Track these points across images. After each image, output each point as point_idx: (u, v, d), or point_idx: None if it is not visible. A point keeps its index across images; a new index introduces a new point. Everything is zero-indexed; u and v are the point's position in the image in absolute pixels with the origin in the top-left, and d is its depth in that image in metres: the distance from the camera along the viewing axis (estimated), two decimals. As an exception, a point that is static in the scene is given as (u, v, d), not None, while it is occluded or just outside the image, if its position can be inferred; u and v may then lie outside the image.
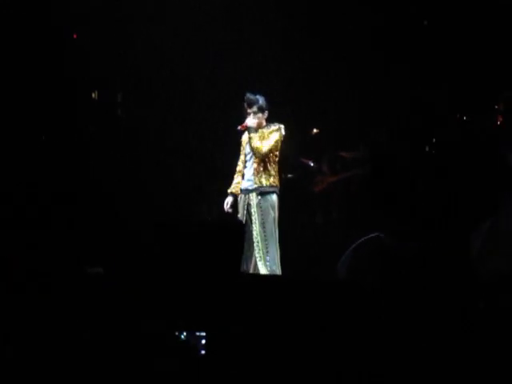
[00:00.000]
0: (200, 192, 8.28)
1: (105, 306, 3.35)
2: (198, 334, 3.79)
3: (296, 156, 8.42)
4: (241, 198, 6.56)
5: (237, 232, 4.09)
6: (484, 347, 3.35)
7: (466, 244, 5.46)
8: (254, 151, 6.41)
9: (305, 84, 8.37)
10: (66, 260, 4.45)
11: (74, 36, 7.97)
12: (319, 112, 8.45)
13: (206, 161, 8.30)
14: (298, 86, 8.35)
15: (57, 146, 7.58)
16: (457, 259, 3.67)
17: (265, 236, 6.37)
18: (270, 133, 6.44)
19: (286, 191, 6.93)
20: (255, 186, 6.46)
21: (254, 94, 6.48)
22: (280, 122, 6.54)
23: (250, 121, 6.43)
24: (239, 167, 6.63)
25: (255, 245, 6.35)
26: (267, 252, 6.33)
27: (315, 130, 8.69)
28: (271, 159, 6.47)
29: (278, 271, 6.37)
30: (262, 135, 6.44)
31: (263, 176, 6.45)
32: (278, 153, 6.49)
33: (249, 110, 6.45)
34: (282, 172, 6.88)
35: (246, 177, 6.55)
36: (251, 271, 6.27)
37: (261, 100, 6.45)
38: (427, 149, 8.11)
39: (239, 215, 6.49)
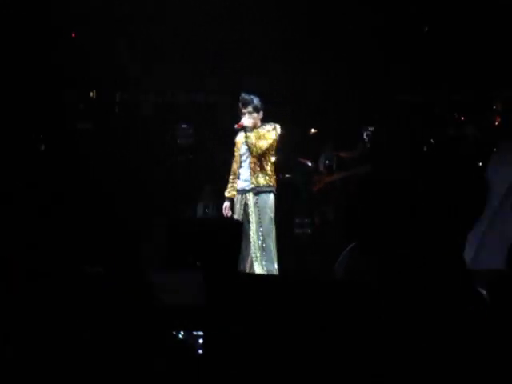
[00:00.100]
0: (197, 192, 8.30)
1: (102, 306, 3.35)
2: (195, 333, 3.79)
3: (294, 156, 8.45)
4: (237, 198, 6.57)
5: (234, 231, 4.10)
6: (482, 347, 3.35)
7: (462, 244, 5.47)
8: (252, 150, 6.43)
9: (303, 84, 8.40)
10: (65, 260, 4.45)
11: (73, 35, 7.99)
12: (317, 112, 8.48)
13: (204, 160, 8.32)
14: (296, 85, 8.37)
15: (54, 144, 7.59)
16: (453, 259, 3.68)
17: (262, 235, 6.38)
18: (267, 132, 6.46)
19: (282, 191, 6.96)
20: (252, 185, 6.47)
21: (249, 94, 6.52)
22: (278, 121, 6.57)
23: (246, 120, 6.45)
24: (234, 168, 6.66)
25: (252, 244, 6.36)
26: (264, 252, 6.35)
27: (313, 130, 8.72)
28: (267, 159, 6.49)
29: (275, 271, 6.38)
30: (258, 135, 6.46)
31: (260, 176, 6.47)
32: (273, 152, 6.52)
33: (244, 110, 6.47)
34: (279, 172, 6.90)
35: (242, 177, 6.56)
36: (247, 271, 6.29)
37: (255, 100, 6.48)
38: (425, 149, 8.14)
39: (236, 215, 6.50)
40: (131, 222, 6.87)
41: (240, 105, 6.48)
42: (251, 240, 6.36)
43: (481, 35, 7.43)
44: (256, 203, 6.42)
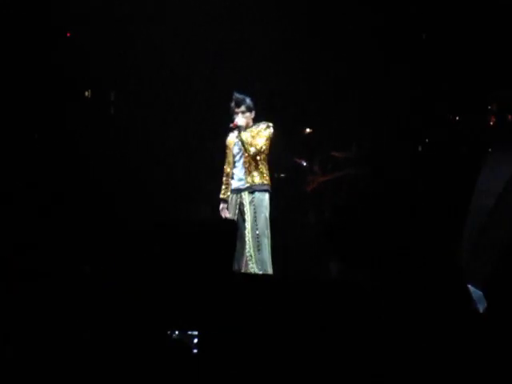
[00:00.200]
0: (197, 192, 8.31)
1: (99, 306, 3.37)
2: (190, 333, 3.82)
3: (289, 156, 8.48)
4: (232, 197, 6.60)
5: (229, 231, 4.12)
6: (476, 347, 3.37)
7: (457, 244, 5.50)
8: (247, 149, 6.46)
9: (298, 84, 8.40)
10: (64, 260, 4.47)
11: (68, 34, 7.99)
12: (312, 112, 8.49)
13: (204, 160, 8.33)
14: (292, 85, 8.38)
15: (54, 144, 7.60)
16: (446, 260, 3.70)
17: (257, 234, 6.40)
18: (260, 131, 6.50)
19: (278, 191, 6.98)
20: (247, 184, 6.50)
21: (241, 93, 6.56)
22: (275, 121, 6.62)
23: (240, 120, 6.50)
24: (226, 170, 6.69)
25: (247, 244, 6.39)
26: (259, 250, 6.37)
27: (308, 130, 8.73)
28: (262, 158, 6.52)
29: (270, 270, 6.40)
30: (252, 133, 6.50)
31: (255, 175, 6.50)
32: (267, 151, 6.55)
33: (237, 110, 6.53)
34: (274, 172, 6.94)
35: (236, 177, 6.59)
36: (243, 270, 6.31)
37: (248, 100, 6.54)
38: (420, 149, 8.16)
39: (230, 215, 6.54)
40: (131, 222, 6.91)
41: (233, 104, 6.53)
42: (246, 239, 6.39)
43: (477, 35, 7.43)
44: (251, 202, 6.45)
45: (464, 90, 7.68)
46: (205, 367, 3.29)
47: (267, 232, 6.44)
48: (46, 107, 7.63)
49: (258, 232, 6.39)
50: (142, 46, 8.23)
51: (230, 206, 6.60)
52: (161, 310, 3.58)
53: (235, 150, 6.60)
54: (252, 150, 6.44)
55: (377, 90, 8.05)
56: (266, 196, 6.50)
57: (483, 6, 7.41)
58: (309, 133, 8.71)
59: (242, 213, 6.48)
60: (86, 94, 8.40)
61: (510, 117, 5.72)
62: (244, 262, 6.39)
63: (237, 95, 6.54)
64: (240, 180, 6.55)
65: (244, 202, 6.48)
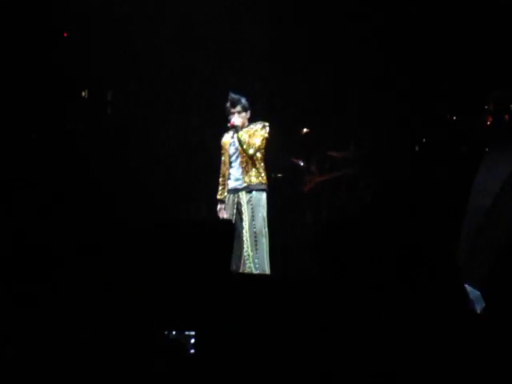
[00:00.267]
0: (197, 192, 8.32)
1: (98, 306, 3.38)
2: (187, 333, 3.83)
3: (286, 156, 8.50)
4: (229, 197, 6.62)
5: (226, 231, 4.13)
6: (473, 348, 3.38)
7: (455, 244, 5.51)
8: (245, 148, 6.48)
9: (295, 84, 8.42)
10: (64, 260, 4.48)
11: (65, 34, 8.00)
12: (311, 112, 8.51)
13: (204, 160, 8.34)
14: (289, 86, 8.40)
15: (54, 144, 7.61)
16: (444, 260, 3.71)
17: (254, 233, 6.42)
18: (257, 130, 6.53)
19: (275, 191, 7.01)
20: (245, 184, 6.52)
21: (237, 93, 6.60)
22: (273, 121, 6.65)
23: (237, 120, 6.53)
24: (222, 171, 6.71)
25: (244, 243, 6.41)
26: (256, 250, 6.39)
27: (305, 130, 8.75)
28: (259, 157, 6.55)
29: (268, 269, 6.42)
30: (249, 133, 6.53)
31: (252, 174, 6.53)
32: (264, 151, 6.58)
33: (232, 110, 6.55)
34: (271, 172, 6.96)
35: (232, 177, 6.61)
36: (240, 270, 6.33)
37: (243, 100, 6.57)
38: (417, 148, 8.17)
39: (227, 215, 6.56)
40: (131, 223, 6.91)
41: (228, 105, 6.56)
42: (244, 239, 6.40)
43: (474, 35, 7.44)
44: (249, 201, 6.47)
45: (461, 90, 7.69)
46: (202, 367, 3.30)
47: (265, 231, 6.46)
48: (45, 107, 7.64)
49: (255, 231, 6.42)
50: (141, 46, 8.24)
51: (227, 206, 6.62)
52: (157, 310, 3.58)
53: (231, 150, 6.62)
54: (250, 149, 6.47)
55: (374, 90, 8.07)
56: (264, 195, 6.52)
57: (482, 6, 7.42)
58: (306, 132, 8.73)
59: (239, 212, 6.50)
60: (86, 93, 8.41)
61: (507, 117, 5.72)
62: (242, 261, 6.41)
63: (232, 95, 6.57)
64: (237, 180, 6.57)
65: (241, 202, 6.50)
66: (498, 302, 3.84)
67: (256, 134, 6.50)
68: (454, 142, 7.75)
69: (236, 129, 6.54)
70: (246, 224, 6.43)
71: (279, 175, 8.40)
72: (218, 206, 6.72)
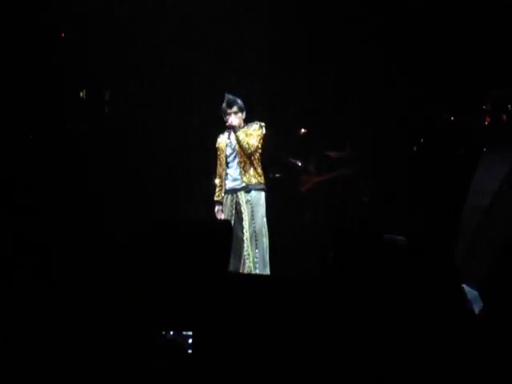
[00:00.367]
0: (197, 192, 8.32)
1: (96, 305, 3.39)
2: (184, 333, 3.83)
3: (284, 156, 8.51)
4: (227, 197, 6.62)
5: (224, 231, 4.14)
6: (472, 346, 3.39)
7: (451, 243, 5.51)
8: (244, 148, 6.50)
9: (295, 84, 8.42)
10: (64, 259, 4.49)
11: (62, 34, 8.01)
12: (310, 112, 8.52)
13: (204, 160, 8.34)
14: (289, 86, 8.40)
15: (50, 144, 7.61)
16: (443, 260, 3.72)
17: (254, 232, 6.44)
18: (254, 130, 6.55)
19: (273, 191, 7.02)
20: (243, 184, 6.53)
21: (232, 95, 6.63)
22: (272, 121, 6.67)
23: (234, 120, 6.56)
24: (219, 172, 6.72)
25: (244, 242, 6.42)
26: (257, 249, 6.41)
27: (303, 130, 8.76)
28: (256, 157, 6.57)
29: (267, 269, 6.43)
30: (246, 133, 6.56)
31: (251, 174, 6.54)
32: (261, 150, 6.60)
33: (229, 111, 6.58)
34: (269, 172, 6.98)
35: (230, 177, 6.62)
36: (240, 270, 6.34)
37: (239, 100, 6.60)
38: (415, 149, 8.17)
39: (225, 215, 6.57)
40: (130, 222, 6.92)
41: (224, 105, 6.58)
42: (244, 238, 6.41)
43: (471, 35, 7.44)
44: (248, 201, 6.49)
45: (459, 90, 7.70)
46: (199, 368, 3.31)
47: (265, 230, 6.48)
48: (45, 107, 7.64)
49: (255, 230, 6.43)
50: (141, 46, 8.24)
51: (224, 206, 6.63)
52: (155, 310, 3.59)
53: (228, 151, 6.64)
54: (249, 149, 6.49)
55: (372, 91, 8.07)
56: (263, 194, 6.54)
57: (482, 6, 7.43)
58: (304, 133, 8.74)
59: (238, 212, 6.51)
60: (86, 93, 8.41)
61: (504, 117, 5.72)
62: (242, 261, 6.42)
63: (228, 96, 6.60)
64: (235, 180, 6.58)
65: (240, 202, 6.51)
66: (496, 302, 3.85)
67: (253, 134, 6.53)
68: (451, 142, 7.76)
69: (234, 129, 6.56)
70: (245, 224, 6.44)
71: (277, 175, 8.41)
72: (216, 208, 6.73)
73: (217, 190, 6.72)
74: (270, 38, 8.31)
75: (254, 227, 6.43)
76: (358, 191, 8.29)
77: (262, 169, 6.60)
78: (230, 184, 6.61)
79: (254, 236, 6.42)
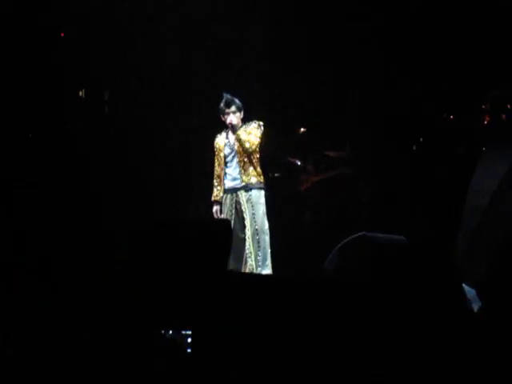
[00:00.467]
0: (197, 191, 8.32)
1: (95, 305, 3.39)
2: (184, 332, 3.83)
3: (284, 156, 8.52)
4: (226, 197, 6.63)
5: (224, 230, 4.14)
6: (470, 346, 3.39)
7: (451, 243, 5.52)
8: (245, 147, 6.51)
9: (295, 84, 8.43)
10: (64, 259, 4.49)
11: (61, 34, 8.01)
12: (309, 112, 8.52)
13: (204, 160, 8.34)
14: (289, 86, 8.40)
15: (50, 144, 7.62)
16: (443, 259, 3.72)
17: (256, 230, 6.45)
18: (253, 129, 6.57)
19: (272, 190, 7.03)
20: (243, 183, 6.55)
21: (230, 94, 6.64)
22: (271, 121, 6.68)
23: (234, 119, 6.57)
24: (217, 172, 6.72)
25: (246, 241, 6.43)
26: (259, 246, 6.42)
27: (302, 130, 8.76)
28: (255, 156, 6.59)
29: (270, 266, 6.46)
30: (246, 132, 6.57)
31: (251, 173, 6.56)
32: (259, 149, 6.61)
33: (227, 110, 6.60)
34: (269, 171, 6.98)
35: (229, 177, 6.63)
36: (242, 268, 6.36)
37: (237, 100, 6.62)
38: (414, 148, 8.17)
39: (224, 215, 6.57)
40: (129, 222, 6.92)
41: (223, 105, 6.59)
42: (246, 237, 6.43)
43: (472, 35, 7.45)
44: (249, 199, 6.50)
45: (458, 90, 7.70)
46: (198, 367, 3.31)
47: (266, 229, 6.50)
48: (45, 107, 7.64)
49: (257, 228, 6.44)
50: (141, 46, 8.24)
51: (224, 206, 6.63)
52: (154, 310, 3.60)
53: (226, 150, 6.66)
54: (250, 147, 6.50)
55: (372, 91, 8.08)
56: (262, 193, 6.57)
57: (481, 6, 7.43)
58: (303, 132, 8.75)
59: (238, 212, 6.53)
60: (86, 93, 8.41)
61: (504, 116, 5.73)
62: (243, 260, 6.43)
63: (227, 96, 6.62)
64: (234, 179, 6.60)
65: (241, 201, 6.52)
66: (496, 301, 3.85)
67: (253, 133, 6.54)
68: (451, 141, 7.76)
69: (234, 128, 6.57)
70: (247, 222, 6.46)
71: (276, 175, 8.42)
72: (214, 208, 6.72)
73: (214, 189, 6.72)
74: (270, 38, 8.30)
75: (256, 225, 6.44)
76: (358, 191, 8.29)
77: (261, 168, 6.61)
78: (229, 183, 6.62)
79: (256, 234, 6.44)
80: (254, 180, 6.54)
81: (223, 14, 8.28)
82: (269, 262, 6.46)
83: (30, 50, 7.40)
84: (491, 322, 3.58)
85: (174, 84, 8.45)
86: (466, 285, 4.03)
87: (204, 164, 7.73)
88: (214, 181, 6.73)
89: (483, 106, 5.94)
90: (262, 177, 6.59)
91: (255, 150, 6.54)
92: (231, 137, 6.65)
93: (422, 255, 3.77)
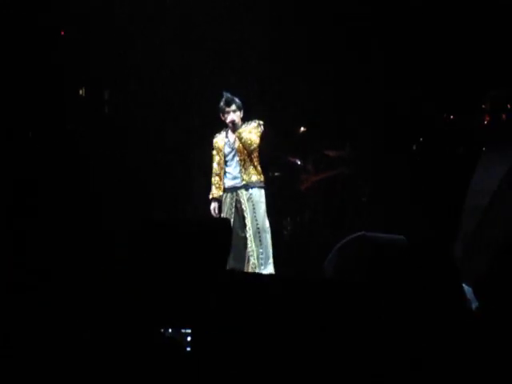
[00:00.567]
0: (196, 191, 8.33)
1: (94, 305, 3.39)
2: (183, 331, 3.83)
3: (284, 155, 8.53)
4: (226, 196, 6.63)
5: (223, 229, 4.14)
6: (469, 347, 3.38)
7: (451, 243, 5.52)
8: (247, 146, 6.52)
9: (295, 84, 8.43)
10: (64, 260, 4.50)
11: (62, 33, 8.02)
12: (309, 112, 8.53)
13: (204, 160, 8.35)
14: (289, 86, 8.41)
15: (50, 144, 7.62)
16: (442, 259, 3.72)
17: (258, 229, 6.45)
18: (253, 128, 6.57)
19: (273, 190, 7.04)
20: (244, 182, 6.56)
21: (230, 93, 6.66)
22: (271, 121, 6.69)
23: (235, 118, 6.58)
24: (216, 170, 6.72)
25: (248, 239, 6.44)
26: (261, 245, 6.43)
27: (302, 129, 8.77)
28: (255, 155, 6.60)
29: (271, 265, 6.48)
30: (247, 131, 6.58)
31: (251, 172, 6.57)
32: (258, 148, 6.62)
33: (228, 109, 6.61)
34: (269, 171, 6.99)
35: (230, 175, 6.64)
36: (245, 267, 6.37)
37: (237, 99, 6.63)
38: (414, 148, 8.18)
39: (224, 214, 6.58)
40: (129, 222, 6.92)
41: (223, 104, 6.60)
42: (247, 235, 6.44)
43: (467, 35, 7.46)
44: (250, 198, 6.51)
45: (458, 90, 7.71)
46: (198, 366, 3.31)
47: (267, 227, 6.51)
48: (45, 107, 7.65)
49: (258, 227, 6.45)
50: (141, 46, 8.25)
51: (224, 204, 6.64)
52: (154, 308, 3.59)
53: (226, 149, 6.67)
54: (251, 146, 6.51)
55: (371, 90, 8.09)
56: (263, 192, 6.59)
57: (481, 6, 7.44)
58: (303, 132, 8.76)
59: (238, 210, 6.53)
60: (86, 93, 8.42)
61: (504, 116, 5.73)
62: (246, 259, 6.44)
63: (227, 95, 6.62)
64: (235, 178, 6.61)
65: (241, 200, 6.53)
66: (495, 301, 3.85)
67: (253, 132, 6.55)
68: (451, 141, 7.77)
69: (234, 127, 6.58)
70: (248, 221, 6.47)
71: (276, 174, 8.43)
72: (212, 205, 6.71)
73: (213, 187, 6.71)
74: (270, 38, 8.31)
75: (257, 224, 6.45)
76: (358, 191, 8.31)
77: (261, 167, 6.62)
78: (229, 182, 6.62)
79: (258, 232, 6.45)
80: (254, 178, 6.55)
81: (223, 14, 8.28)
82: (271, 260, 6.48)
83: (30, 49, 7.39)
84: (491, 322, 3.58)
85: (174, 84, 8.46)
86: (466, 285, 4.03)
87: (204, 164, 7.74)
88: (213, 179, 6.74)
89: (483, 106, 5.94)
90: (262, 175, 6.61)
91: (256, 148, 6.55)
92: (231, 136, 6.66)
93: (422, 255, 3.77)
